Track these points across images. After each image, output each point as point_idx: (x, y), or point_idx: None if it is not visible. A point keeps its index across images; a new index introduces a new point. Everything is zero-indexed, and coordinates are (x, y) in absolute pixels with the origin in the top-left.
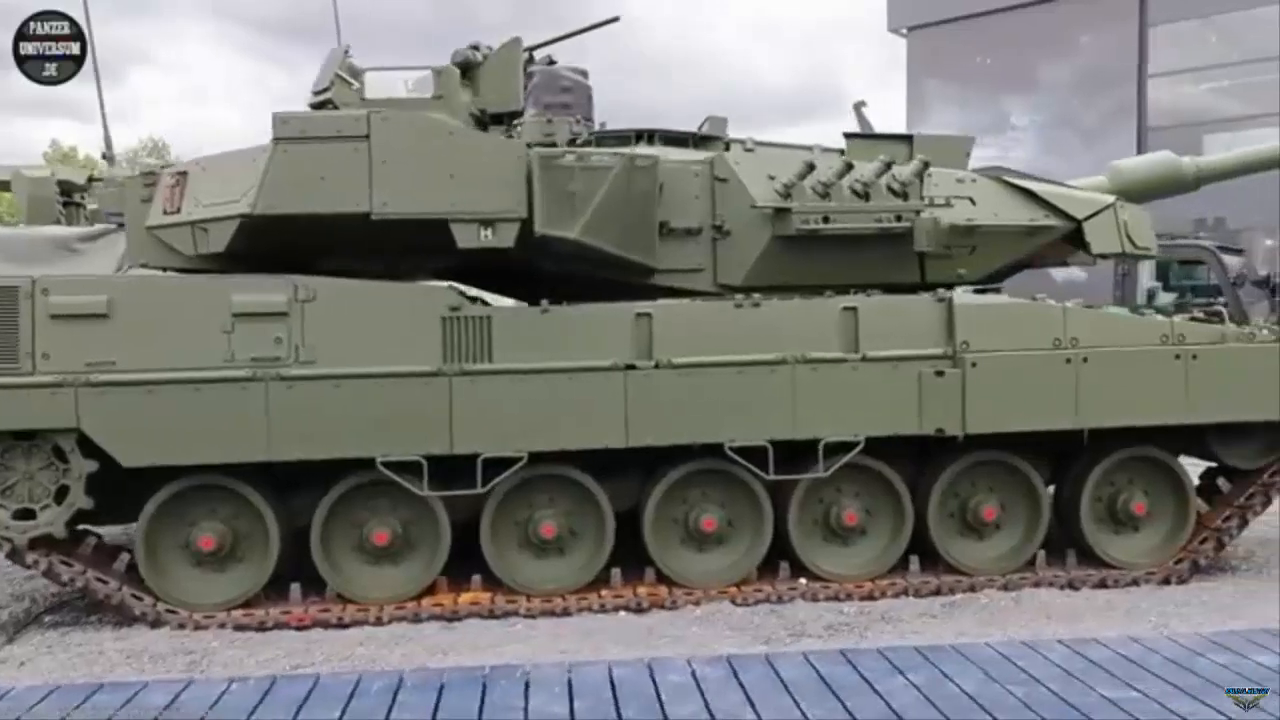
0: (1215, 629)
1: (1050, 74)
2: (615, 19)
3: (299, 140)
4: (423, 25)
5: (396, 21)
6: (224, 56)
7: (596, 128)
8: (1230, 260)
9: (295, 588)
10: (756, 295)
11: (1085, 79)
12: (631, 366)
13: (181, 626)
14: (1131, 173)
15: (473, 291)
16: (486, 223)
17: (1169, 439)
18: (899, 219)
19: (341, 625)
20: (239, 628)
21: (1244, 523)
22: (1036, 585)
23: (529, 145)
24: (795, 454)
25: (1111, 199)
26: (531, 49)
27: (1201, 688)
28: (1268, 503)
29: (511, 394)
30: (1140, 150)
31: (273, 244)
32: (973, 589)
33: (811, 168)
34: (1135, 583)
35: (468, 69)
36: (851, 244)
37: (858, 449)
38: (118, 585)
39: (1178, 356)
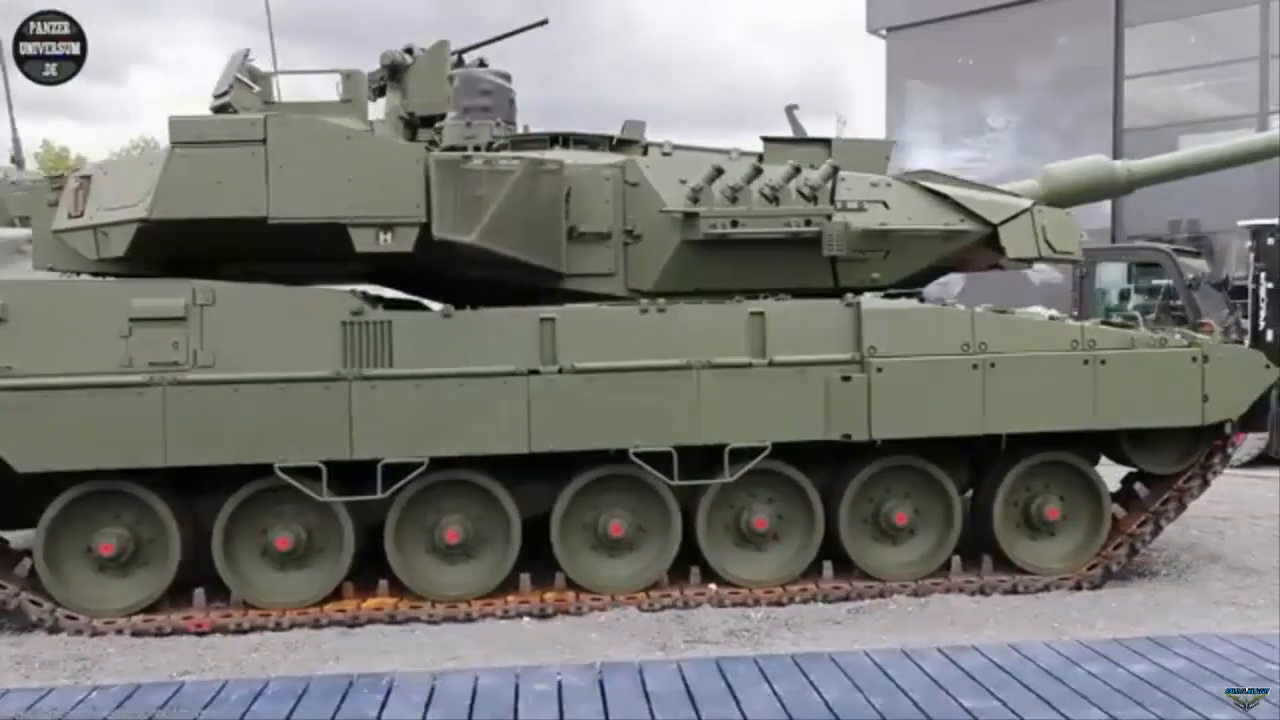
0: (1107, 636)
1: (1028, 75)
2: (544, 21)
3: (195, 144)
4: (426, 25)
5: (397, 21)
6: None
7: (520, 131)
8: (1195, 264)
9: (199, 593)
10: (662, 300)
11: (1062, 80)
12: (535, 371)
13: (79, 632)
14: (1062, 177)
15: (396, 295)
16: (385, 227)
17: (1085, 444)
18: (808, 223)
19: (241, 631)
20: (137, 633)
21: (1158, 528)
22: (947, 591)
23: (428, 149)
24: (706, 459)
25: (1028, 203)
26: (461, 52)
27: (1066, 698)
28: (1182, 508)
29: (412, 399)
30: (1116, 151)
31: (172, 248)
32: (882, 595)
33: (720, 172)
34: (1047, 589)
35: (397, 71)
36: (761, 249)
37: (764, 454)
38: (15, 590)
39: (1086, 362)
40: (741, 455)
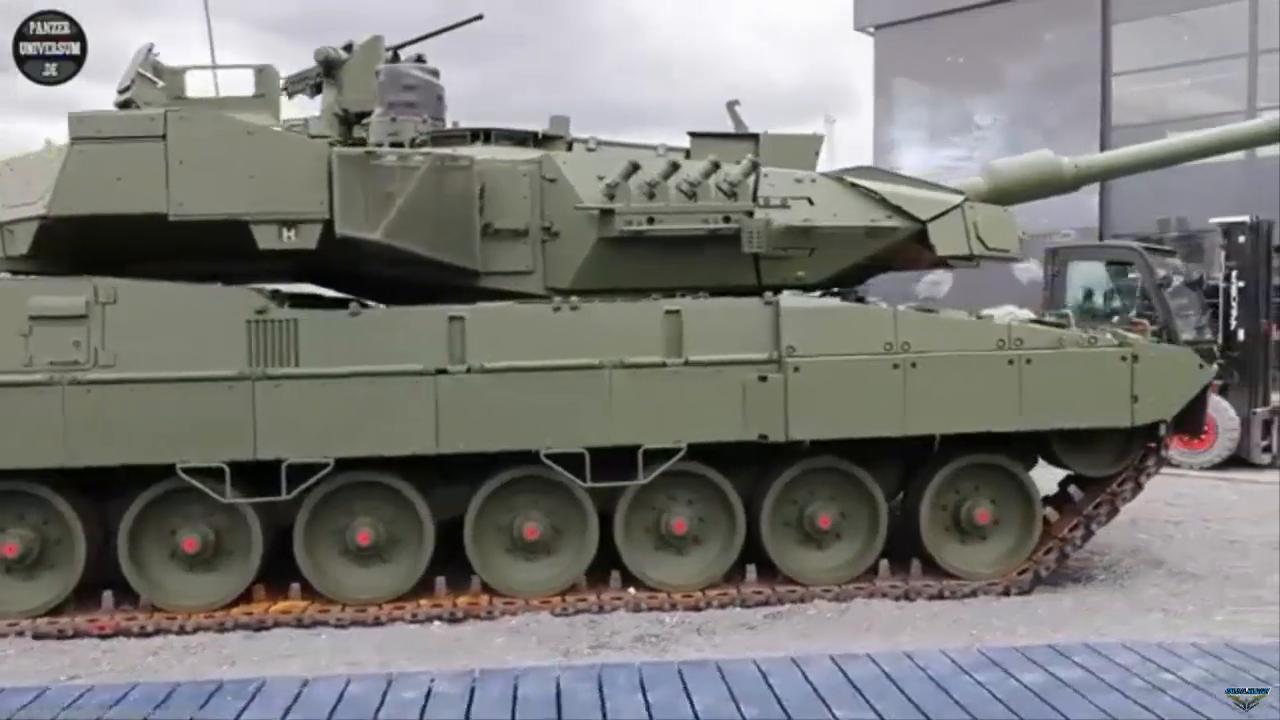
0: (1026, 642)
1: (1014, 73)
2: (479, 16)
3: (95, 140)
4: (427, 23)
5: (398, 20)
6: (223, 57)
7: (449, 126)
8: (1170, 262)
9: (108, 595)
10: (574, 298)
11: (1049, 78)
12: (443, 371)
13: None
14: (1006, 173)
15: (318, 291)
16: (288, 224)
17: (1018, 446)
18: (727, 220)
19: (145, 634)
20: (39, 635)
21: (1089, 533)
22: (871, 596)
23: (332, 144)
24: (629, 461)
25: (958, 199)
26: (396, 48)
27: (944, 708)
28: (1114, 512)
29: (318, 399)
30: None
31: (75, 246)
32: (803, 600)
33: (636, 167)
34: (975, 594)
35: (332, 68)
36: (681, 246)
37: (679, 456)
38: None
39: (1011, 362)
40: (658, 456)
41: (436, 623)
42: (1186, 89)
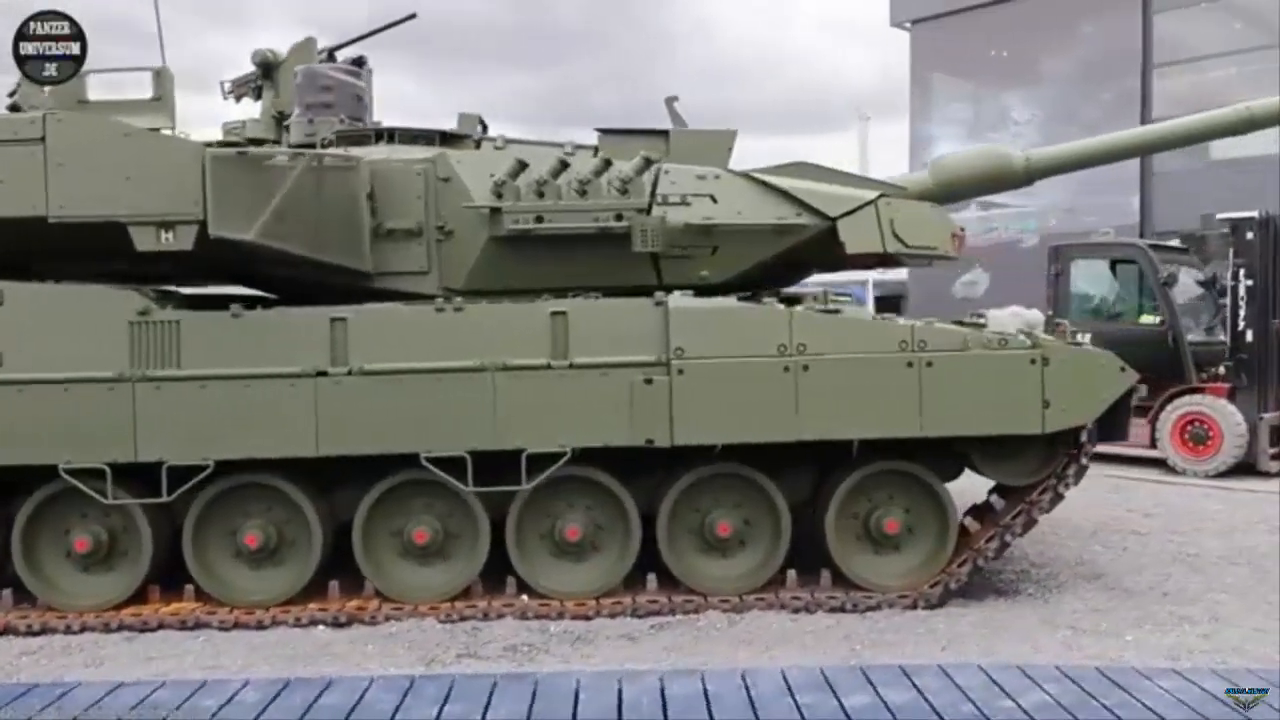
0: (913, 660)
1: (1052, 66)
2: (412, 15)
3: None
4: (503, 27)
5: (473, 24)
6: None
7: (372, 125)
8: (1181, 259)
9: (7, 594)
10: (459, 299)
11: (1088, 70)
12: (323, 373)
13: None
14: (953, 167)
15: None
16: (165, 225)
17: (935, 453)
18: (619, 218)
19: (32, 633)
20: None
21: (1004, 545)
22: (769, 607)
23: (207, 145)
24: (528, 465)
25: (872, 195)
26: (331, 49)
27: None
28: (1031, 523)
29: (198, 401)
30: None
31: None
32: (697, 610)
33: (524, 165)
34: (879, 607)
35: (270, 70)
36: (574, 245)
37: (563, 460)
38: None
39: (910, 364)
40: (547, 461)
41: (321, 627)
42: (1230, 79)
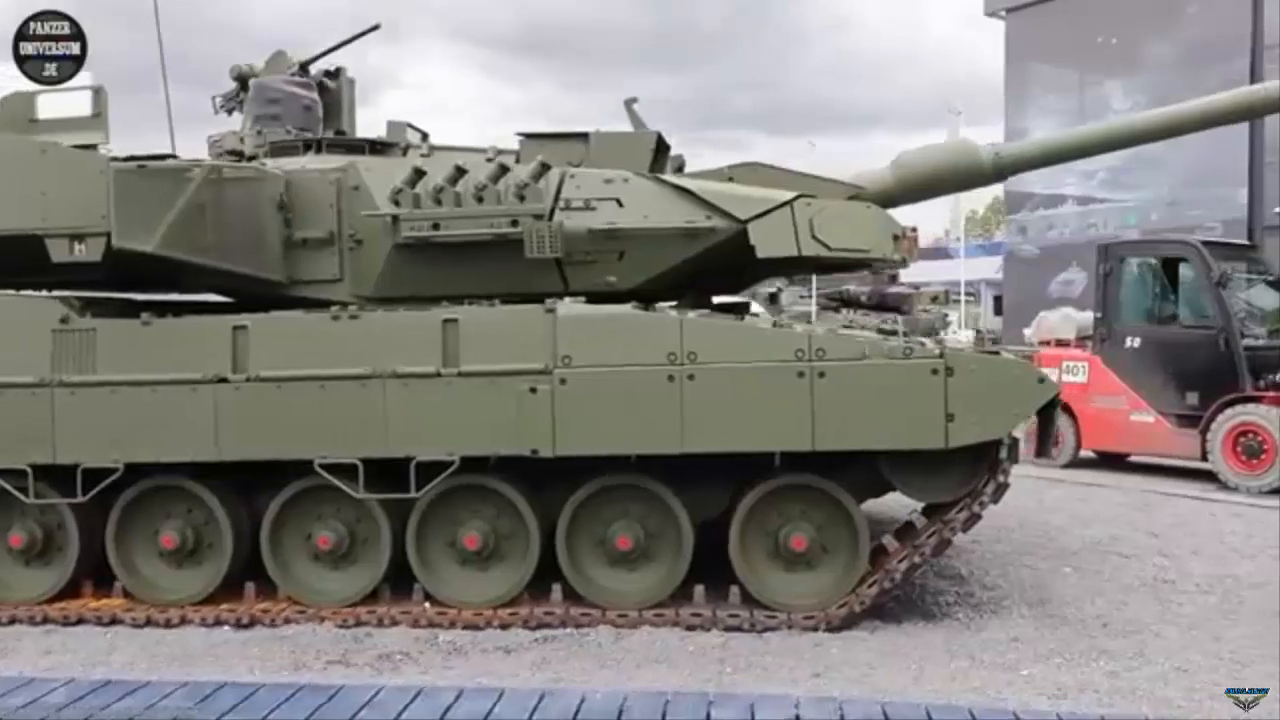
0: (797, 690)
1: (1155, 51)
2: (376, 26)
3: None
4: (646, 34)
5: (620, 33)
6: (462, 75)
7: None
8: (1254, 258)
9: None
10: (352, 307)
11: (1192, 54)
12: (224, 379)
13: None
14: (913, 164)
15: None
16: (77, 237)
17: (857, 470)
18: (515, 224)
19: None
20: None
21: (914, 567)
22: (667, 624)
23: (112, 159)
24: (425, 473)
25: (788, 196)
26: (306, 62)
27: None
28: (944, 544)
29: (110, 406)
30: (1253, 130)
31: None
32: (590, 625)
33: (421, 174)
34: (778, 628)
35: (245, 83)
36: (475, 252)
37: (452, 469)
38: None
39: (801, 374)
40: (440, 469)
41: (226, 627)
42: None
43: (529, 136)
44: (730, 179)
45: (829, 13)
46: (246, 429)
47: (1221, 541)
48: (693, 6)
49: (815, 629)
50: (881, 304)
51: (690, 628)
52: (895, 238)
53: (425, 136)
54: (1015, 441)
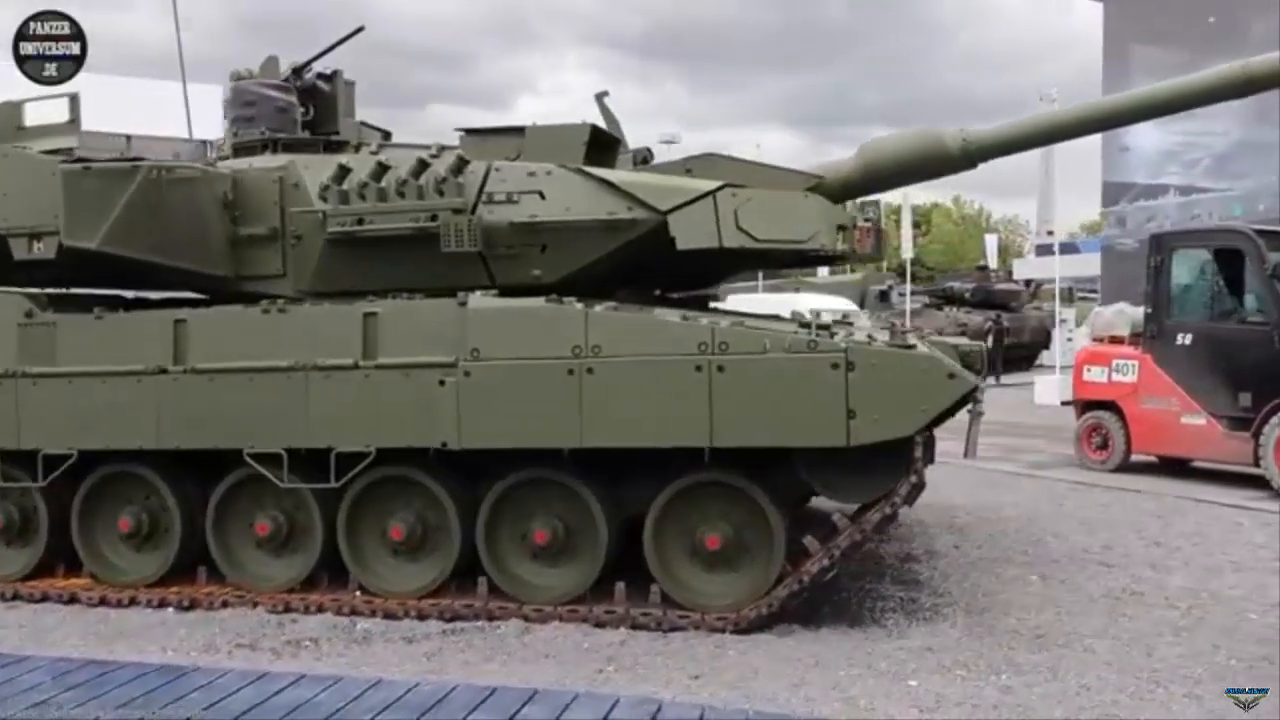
0: (664, 692)
1: (1260, 30)
2: (360, 29)
3: None
4: (773, 31)
5: (743, 29)
6: (593, 79)
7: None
8: None
9: None
10: (282, 301)
11: None
12: (164, 371)
13: None
14: (881, 151)
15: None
16: (35, 236)
17: (781, 468)
18: (434, 219)
19: None
20: None
21: (825, 569)
22: (580, 620)
23: (62, 161)
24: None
25: (710, 186)
26: (297, 67)
27: None
28: (858, 545)
29: (66, 396)
30: None
31: None
32: (501, 618)
33: (346, 170)
34: (685, 628)
35: None
36: (401, 246)
37: (368, 460)
38: None
39: (699, 368)
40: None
41: (170, 609)
42: None
43: (469, 132)
44: (688, 171)
45: (965, 4)
46: (184, 419)
47: (1226, 554)
48: (821, 3)
49: (723, 630)
50: (986, 301)
51: (600, 624)
52: (842, 228)
53: (387, 135)
54: (932, 440)
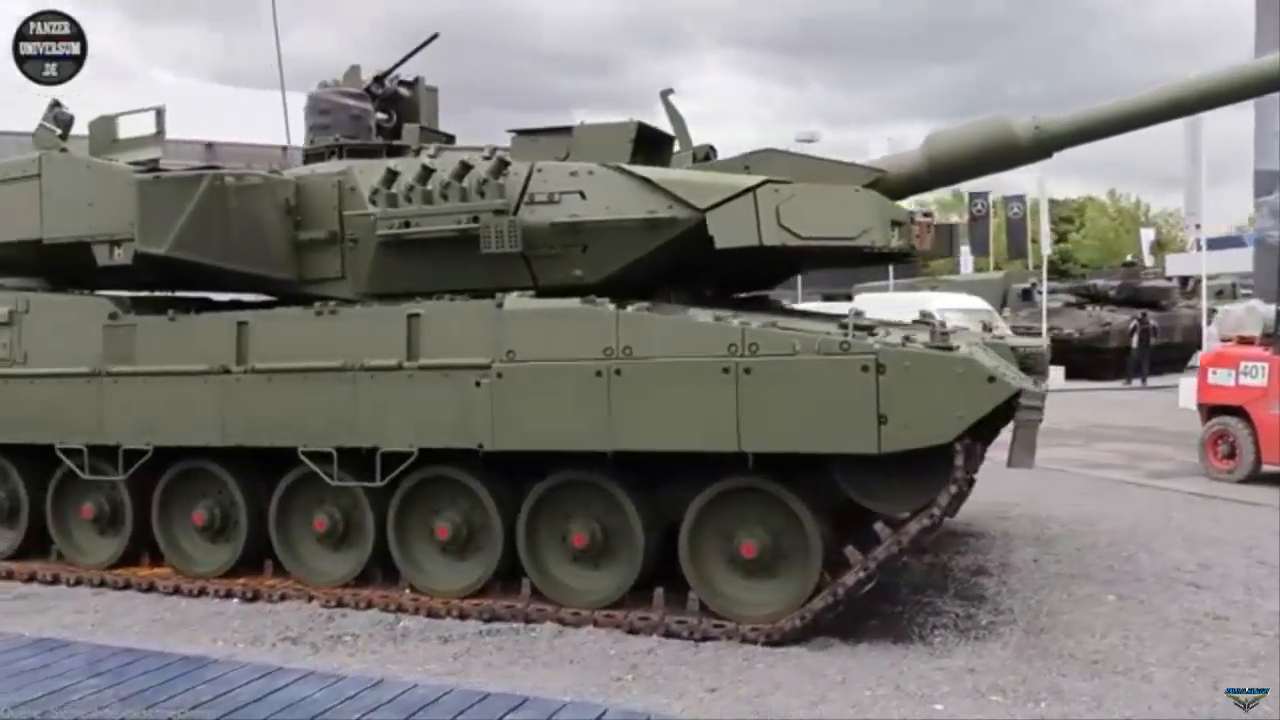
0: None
1: None
2: (435, 36)
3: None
4: (920, 28)
5: (895, 22)
6: (737, 79)
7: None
8: None
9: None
10: (334, 302)
11: None
12: (228, 371)
13: None
14: (944, 144)
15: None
16: (116, 243)
17: (810, 472)
18: (476, 220)
19: (51, 582)
20: None
21: (863, 581)
22: (614, 625)
23: (138, 171)
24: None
25: (751, 182)
26: (379, 76)
27: None
28: (895, 558)
29: (143, 393)
30: None
31: None
32: (541, 620)
33: (395, 175)
34: (718, 638)
35: None
36: (446, 248)
37: (411, 459)
38: None
39: (726, 370)
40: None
41: (235, 600)
42: None
43: (520, 133)
44: (747, 168)
45: None
46: (244, 417)
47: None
48: None
49: (755, 642)
50: (1133, 299)
51: (634, 630)
52: (897, 224)
53: (450, 139)
54: (974, 447)
